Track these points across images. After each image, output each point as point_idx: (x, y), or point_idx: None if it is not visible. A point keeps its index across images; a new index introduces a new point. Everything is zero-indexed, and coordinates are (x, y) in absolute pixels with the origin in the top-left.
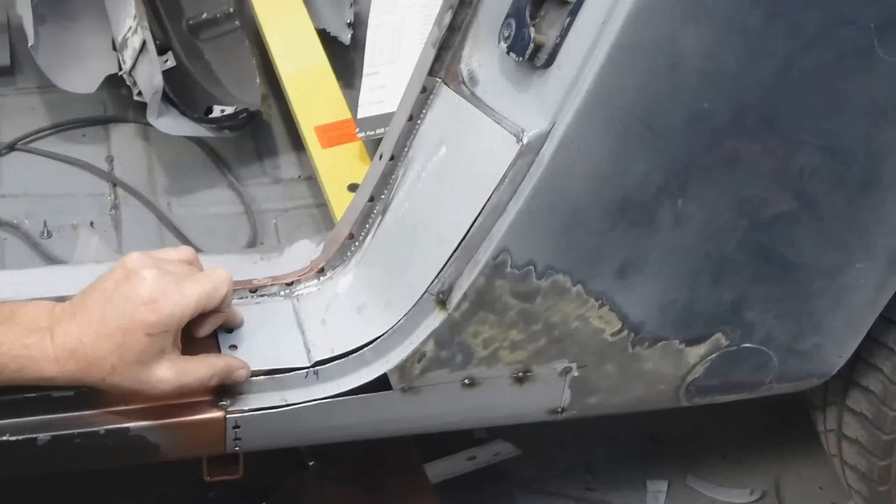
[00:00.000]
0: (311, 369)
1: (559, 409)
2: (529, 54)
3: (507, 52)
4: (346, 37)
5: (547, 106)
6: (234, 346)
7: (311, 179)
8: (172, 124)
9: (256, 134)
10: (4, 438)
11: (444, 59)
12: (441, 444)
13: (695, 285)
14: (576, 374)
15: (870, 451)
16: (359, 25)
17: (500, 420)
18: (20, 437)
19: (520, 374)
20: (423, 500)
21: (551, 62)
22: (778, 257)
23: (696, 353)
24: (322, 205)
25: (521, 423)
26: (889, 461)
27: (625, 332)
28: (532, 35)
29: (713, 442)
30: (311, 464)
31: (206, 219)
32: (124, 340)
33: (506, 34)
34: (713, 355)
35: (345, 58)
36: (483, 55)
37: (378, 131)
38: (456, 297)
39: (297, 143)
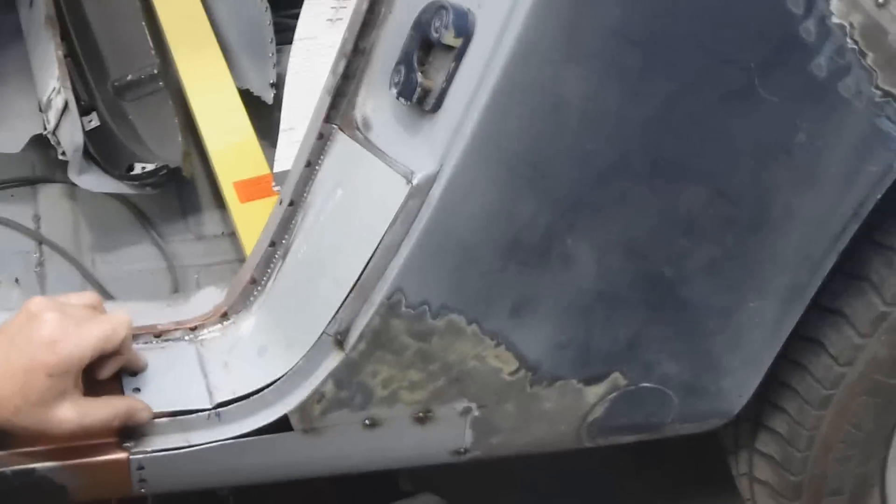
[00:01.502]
0: (214, 411)
1: (462, 450)
2: (418, 98)
3: (398, 97)
4: (268, 96)
5: (435, 148)
6: (137, 389)
7: (234, 236)
8: (94, 181)
9: (181, 192)
10: None
11: (339, 106)
12: (366, 498)
13: (589, 324)
14: (476, 413)
15: (780, 493)
16: (281, 86)
17: (405, 461)
18: None
19: (420, 414)
20: None
21: (439, 106)
22: (670, 296)
23: (594, 392)
24: (242, 260)
25: (426, 465)
26: (798, 503)
27: (522, 372)
28: (420, 80)
29: (653, 495)
30: None
31: (130, 275)
32: (27, 381)
33: (396, 80)
34: (612, 395)
35: (268, 117)
36: (376, 101)
37: None
38: (353, 337)
39: (220, 201)
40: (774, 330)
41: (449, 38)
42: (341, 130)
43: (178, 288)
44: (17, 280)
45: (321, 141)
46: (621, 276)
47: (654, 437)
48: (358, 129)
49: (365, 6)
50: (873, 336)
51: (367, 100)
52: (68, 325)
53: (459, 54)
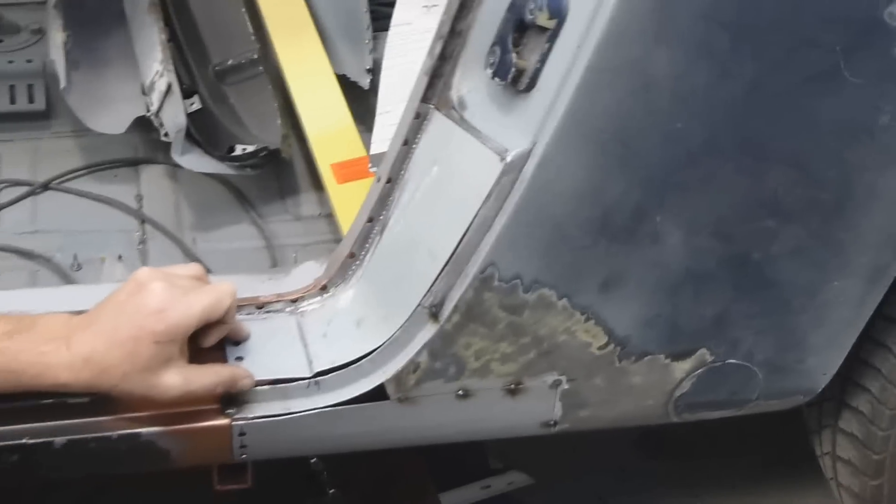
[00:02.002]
0: (313, 380)
1: (552, 423)
2: (512, 78)
3: (493, 78)
4: (364, 82)
5: (528, 126)
6: (240, 358)
7: (330, 217)
8: (196, 162)
9: (279, 174)
10: (23, 442)
11: (436, 87)
12: (457, 473)
13: (677, 300)
14: (566, 386)
15: (862, 471)
16: (377, 71)
17: (495, 433)
18: (37, 441)
19: (512, 386)
20: None
21: (532, 86)
22: (756, 274)
23: (682, 368)
24: (339, 241)
25: (515, 437)
26: (880, 480)
27: (611, 346)
28: (514, 60)
29: (723, 474)
30: (331, 492)
31: (229, 253)
32: (135, 348)
33: (491, 61)
34: (699, 371)
35: (364, 102)
36: (472, 81)
37: None
38: (447, 309)
39: (318, 183)
40: (858, 309)
41: (543, 19)
42: (437, 110)
43: (276, 265)
44: (120, 257)
45: (418, 120)
46: (709, 253)
47: (740, 414)
48: (454, 108)
49: None
50: None
51: (462, 80)
52: (175, 294)
53: (553, 35)
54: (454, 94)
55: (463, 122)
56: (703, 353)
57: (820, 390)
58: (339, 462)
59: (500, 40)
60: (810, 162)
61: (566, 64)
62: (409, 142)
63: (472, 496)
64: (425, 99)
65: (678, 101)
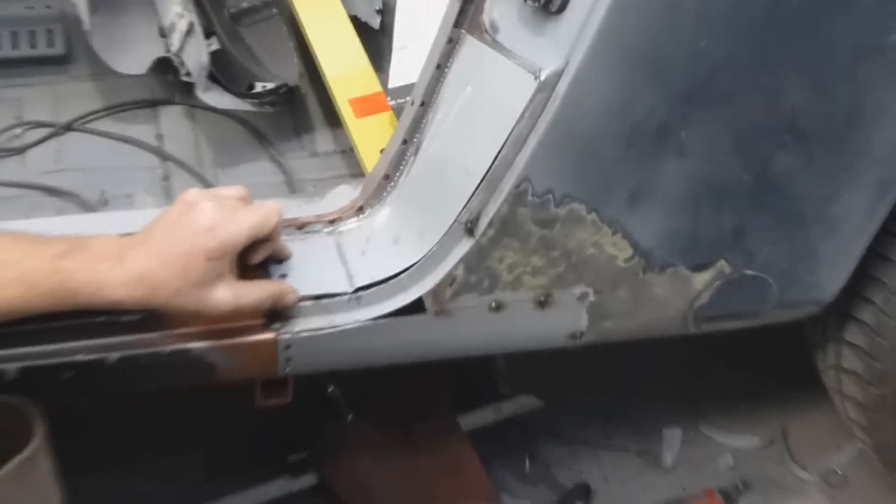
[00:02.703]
0: (354, 294)
1: (578, 334)
2: (545, 1)
3: (525, 1)
4: (375, 22)
5: (561, 46)
6: (283, 275)
7: (345, 153)
8: (218, 98)
9: (294, 112)
10: (77, 359)
11: (467, 13)
12: (470, 399)
13: (698, 213)
14: (592, 298)
15: (866, 380)
16: (386, 13)
17: (525, 344)
18: (91, 357)
19: (542, 298)
20: (456, 445)
21: (564, 7)
22: (773, 187)
23: (701, 279)
24: (355, 175)
25: (545, 349)
26: (884, 389)
27: (636, 259)
28: None
29: (725, 392)
30: (349, 417)
31: (251, 187)
32: (187, 265)
33: None
34: (718, 282)
35: (374, 42)
36: (503, 6)
37: (407, 98)
38: (482, 224)
39: (332, 121)
40: (866, 221)
41: None
42: (470, 34)
43: None
44: (145, 191)
45: (450, 45)
46: (729, 167)
47: (755, 325)
48: (486, 32)
49: None
50: None
51: (494, 5)
52: (225, 212)
53: None
54: (486, 18)
55: (496, 45)
56: (722, 265)
57: (830, 300)
58: (356, 390)
59: None
60: (824, 79)
61: None
62: (441, 66)
63: (486, 418)
64: (457, 24)
65: (702, 20)
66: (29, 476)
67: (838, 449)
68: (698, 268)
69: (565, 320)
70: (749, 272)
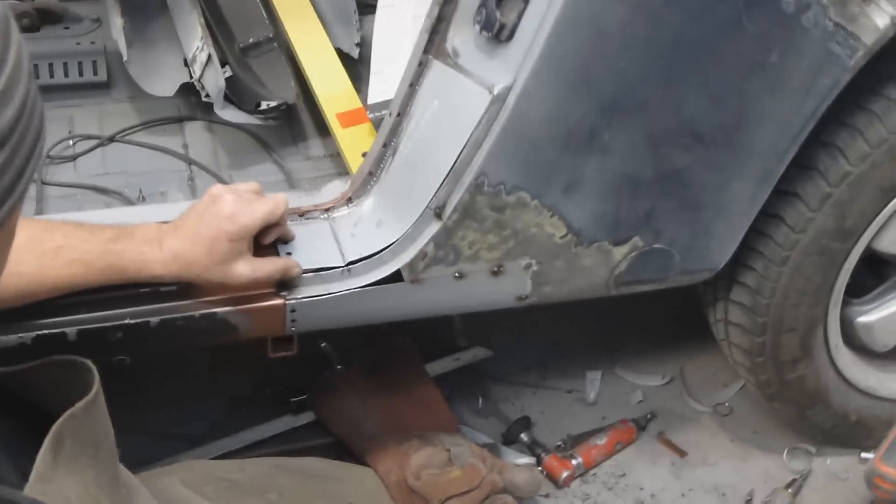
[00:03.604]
0: (346, 267)
1: (524, 297)
2: (496, 31)
3: (480, 31)
4: (354, 53)
5: (510, 67)
6: (289, 253)
7: (333, 156)
8: (233, 114)
9: (292, 124)
10: (126, 322)
11: (434, 41)
12: (434, 351)
13: (619, 199)
14: (535, 268)
15: (749, 330)
16: (363, 45)
17: (482, 306)
18: (137, 321)
19: (495, 268)
20: (424, 387)
21: (512, 36)
22: (676, 178)
23: (620, 252)
24: (341, 174)
25: (496, 309)
26: (763, 338)
27: (569, 236)
28: (498, 17)
29: (634, 341)
30: (338, 367)
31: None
32: (213, 245)
33: (479, 18)
34: (633, 254)
35: (354, 69)
36: (462, 36)
37: (383, 112)
38: (448, 210)
39: (322, 131)
40: (750, 204)
41: None
42: (436, 59)
43: None
44: (176, 189)
45: (420, 67)
46: (643, 162)
47: (661, 287)
48: (449, 56)
49: None
50: (820, 210)
51: (455, 35)
52: (243, 203)
53: None
54: (449, 46)
55: (457, 66)
56: (637, 240)
57: (721, 268)
58: (344, 345)
59: (485, 2)
60: (717, 92)
61: (539, 19)
62: (413, 84)
63: (447, 366)
64: (426, 51)
65: (623, 45)
66: (94, 413)
67: (725, 386)
68: (618, 243)
69: (514, 286)
70: (657, 246)
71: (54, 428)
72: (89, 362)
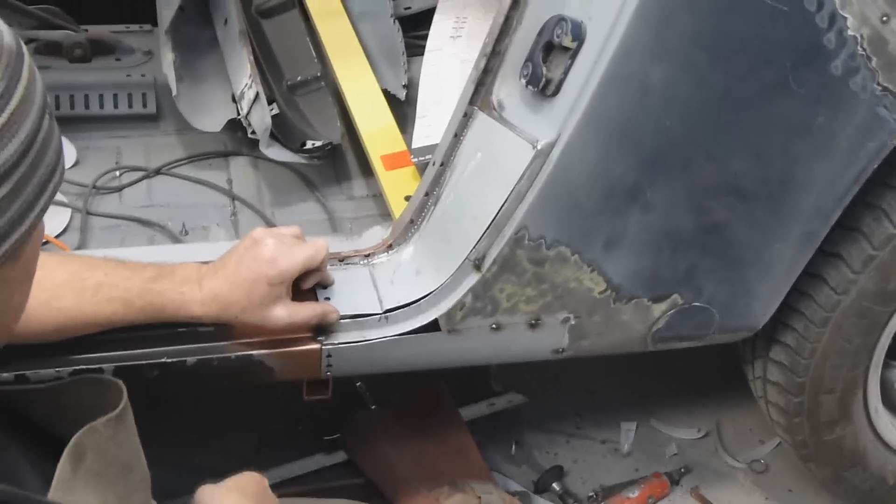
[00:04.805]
0: (384, 315)
1: (560, 350)
2: (542, 86)
3: (526, 86)
4: (401, 94)
5: (554, 123)
6: (328, 298)
7: (376, 197)
8: (277, 152)
9: (336, 164)
10: (163, 360)
11: (480, 93)
12: (469, 394)
13: (658, 257)
14: (573, 322)
15: (787, 390)
16: (410, 87)
17: (518, 357)
18: (174, 360)
19: (533, 321)
20: (458, 432)
21: (557, 91)
22: (718, 237)
23: (659, 308)
24: (384, 215)
25: (533, 361)
26: (801, 398)
27: (608, 292)
28: (544, 73)
29: (671, 393)
30: (372, 407)
31: (300, 223)
32: (252, 289)
33: (525, 73)
34: (672, 311)
35: (400, 111)
36: (508, 89)
37: (427, 157)
38: (488, 262)
39: (366, 171)
40: (792, 264)
41: (567, 41)
42: (481, 111)
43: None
44: (217, 224)
45: (465, 118)
46: (685, 220)
47: (699, 345)
48: (494, 109)
49: (501, 20)
50: (863, 273)
51: (501, 88)
52: (283, 247)
53: (574, 54)
54: (494, 99)
55: (502, 119)
56: (676, 298)
57: (760, 327)
58: (379, 385)
59: (532, 57)
60: (763, 152)
61: (584, 75)
62: (458, 135)
63: (481, 411)
64: (471, 102)
65: (667, 104)
66: (121, 432)
67: (762, 443)
68: (657, 299)
69: (551, 339)
70: (697, 304)
71: (74, 438)
72: (119, 381)
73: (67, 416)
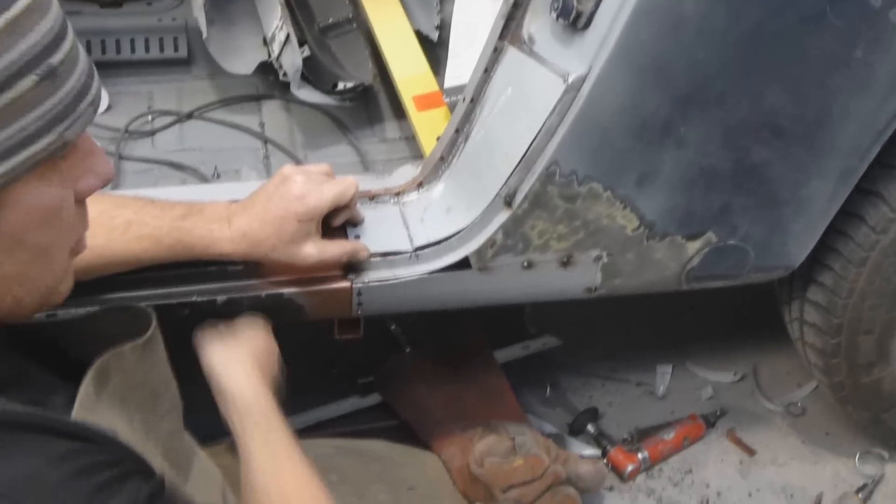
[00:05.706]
0: (414, 252)
1: (593, 288)
2: (573, 19)
3: (557, 19)
4: (434, 36)
5: (585, 56)
6: (358, 236)
7: (408, 139)
8: (309, 94)
9: (368, 106)
10: (193, 299)
11: (510, 27)
12: (503, 337)
13: (692, 193)
14: (605, 260)
15: (824, 331)
16: (443, 28)
17: (550, 296)
18: (204, 299)
19: (565, 259)
20: (492, 375)
21: (588, 24)
22: (754, 173)
23: (693, 247)
24: (416, 157)
25: (566, 300)
26: (839, 339)
27: (641, 229)
28: (575, 5)
29: (707, 336)
30: (407, 350)
31: (333, 167)
32: (281, 226)
33: (556, 5)
34: (706, 249)
35: (433, 52)
36: (538, 22)
37: (459, 97)
38: (518, 198)
39: (398, 113)
40: (829, 202)
41: None
42: (511, 45)
43: None
44: (249, 167)
45: (496, 53)
46: (719, 156)
47: (734, 284)
48: (524, 43)
49: None
50: None
51: (531, 22)
52: (312, 184)
53: None
54: (525, 33)
55: (532, 54)
56: (710, 235)
57: (797, 266)
58: (413, 328)
59: None
60: (799, 86)
61: (616, 7)
62: (488, 70)
63: (515, 354)
64: (501, 37)
65: (701, 36)
66: (149, 359)
67: (799, 386)
68: (691, 237)
69: (583, 277)
70: (732, 242)
71: (98, 361)
72: (149, 309)
73: (97, 344)
